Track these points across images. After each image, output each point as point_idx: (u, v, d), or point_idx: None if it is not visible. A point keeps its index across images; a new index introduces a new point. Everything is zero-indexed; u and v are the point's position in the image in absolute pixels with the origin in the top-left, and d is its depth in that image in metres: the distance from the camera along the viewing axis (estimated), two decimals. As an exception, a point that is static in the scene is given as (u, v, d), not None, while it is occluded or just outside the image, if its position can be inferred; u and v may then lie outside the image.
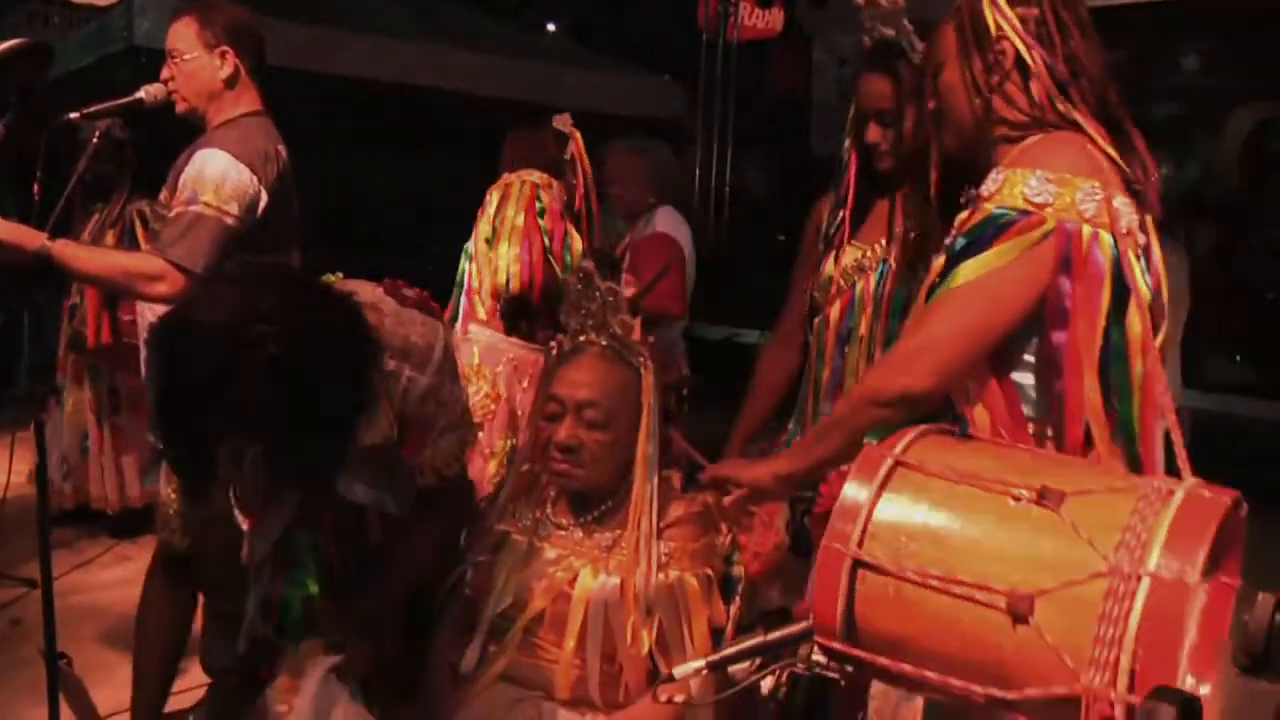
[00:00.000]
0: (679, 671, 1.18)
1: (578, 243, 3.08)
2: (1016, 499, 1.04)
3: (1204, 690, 0.98)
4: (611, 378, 1.66)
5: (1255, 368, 5.97)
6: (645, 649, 1.59)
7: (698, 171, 8.73)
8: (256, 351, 1.30)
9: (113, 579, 3.74)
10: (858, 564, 1.06)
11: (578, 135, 3.23)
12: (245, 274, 1.39)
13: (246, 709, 1.72)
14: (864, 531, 1.07)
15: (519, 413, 2.72)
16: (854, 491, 1.09)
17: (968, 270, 1.31)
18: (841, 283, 2.03)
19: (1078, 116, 1.37)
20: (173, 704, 2.82)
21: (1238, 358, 5.89)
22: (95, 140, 2.32)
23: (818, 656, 1.11)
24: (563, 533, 1.70)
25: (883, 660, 1.07)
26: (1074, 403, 1.32)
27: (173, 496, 1.68)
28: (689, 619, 1.61)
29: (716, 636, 1.64)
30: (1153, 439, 1.36)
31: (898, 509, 1.08)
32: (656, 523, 1.62)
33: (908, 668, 1.05)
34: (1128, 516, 0.99)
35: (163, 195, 2.36)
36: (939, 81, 1.48)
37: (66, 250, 2.19)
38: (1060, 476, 1.08)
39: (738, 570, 1.73)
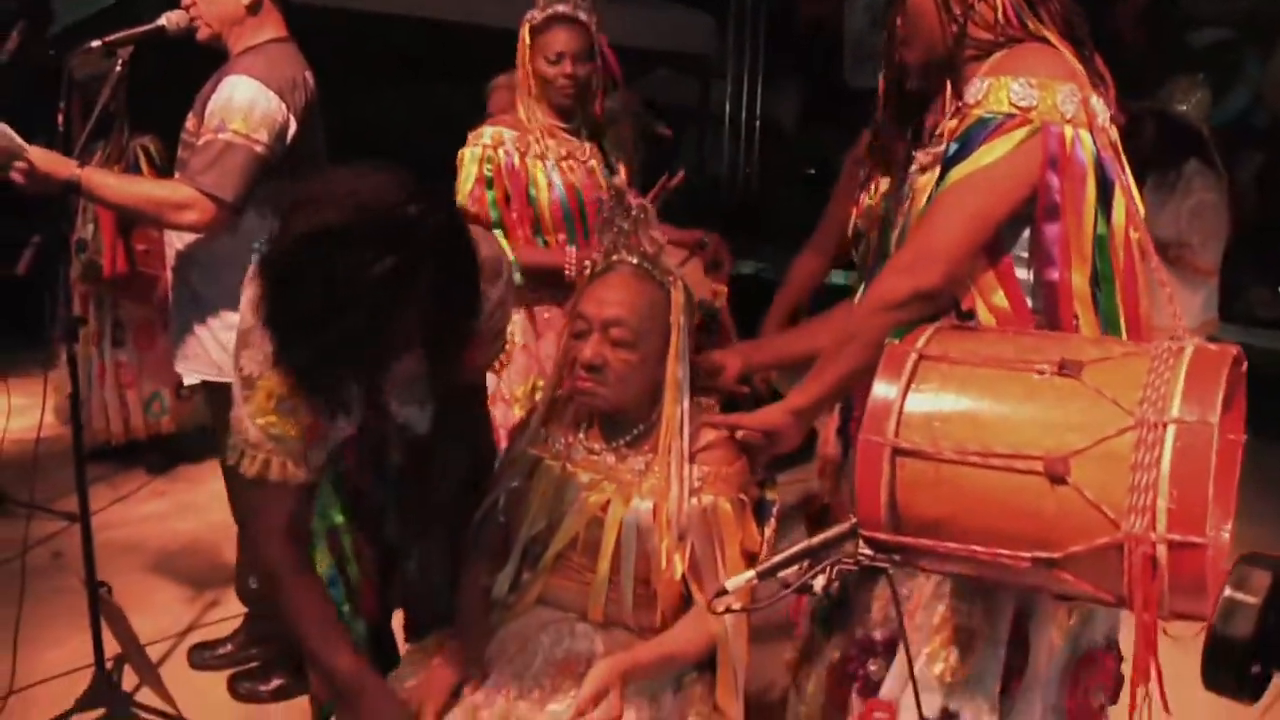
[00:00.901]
0: (731, 584, 1.22)
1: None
2: (1040, 373, 1.09)
3: (1225, 534, 1.07)
4: (640, 296, 1.62)
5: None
6: (678, 574, 1.58)
7: (727, 105, 8.62)
8: (424, 234, 1.32)
9: (150, 512, 3.81)
10: (896, 452, 1.10)
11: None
12: (357, 171, 1.34)
13: None
14: (898, 422, 1.11)
15: (540, 360, 2.68)
16: (883, 388, 1.14)
17: (960, 170, 1.37)
18: (881, 209, 1.99)
19: (1047, 33, 1.42)
20: (207, 633, 2.91)
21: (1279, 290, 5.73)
22: (120, 68, 2.29)
23: (864, 550, 1.15)
24: (594, 457, 1.67)
25: (927, 543, 1.11)
26: (1065, 293, 1.38)
27: (283, 427, 1.52)
28: (721, 543, 1.59)
29: (750, 562, 1.63)
30: (1139, 329, 1.42)
31: (928, 397, 1.13)
32: (688, 447, 1.60)
33: (954, 545, 1.09)
34: (1145, 375, 1.05)
35: (189, 123, 2.33)
36: (908, 3, 1.49)
37: (95, 178, 2.18)
38: (1076, 350, 1.13)
39: (771, 495, 1.72)
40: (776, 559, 1.23)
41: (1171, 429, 0.99)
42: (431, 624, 1.78)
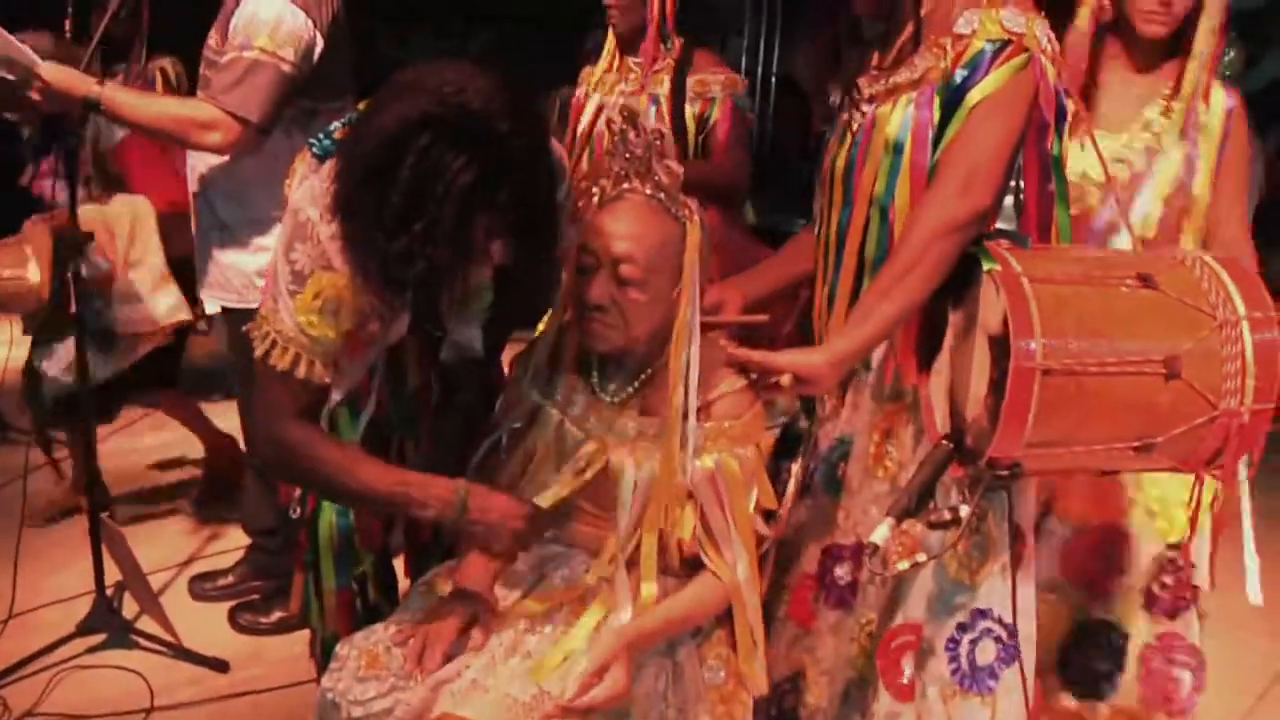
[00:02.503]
0: (877, 536, 1.28)
1: None
2: (1127, 286, 1.29)
3: None
4: (653, 231, 1.48)
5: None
6: (689, 535, 1.51)
7: (744, 59, 8.48)
8: (513, 149, 1.32)
9: (153, 444, 3.79)
10: (1044, 373, 1.23)
11: None
12: (459, 67, 1.34)
13: None
14: (1042, 344, 1.23)
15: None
16: (1017, 311, 1.25)
17: (977, 93, 1.47)
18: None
19: None
20: (208, 565, 2.90)
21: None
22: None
23: (1000, 471, 1.30)
24: (598, 411, 1.58)
25: (1059, 451, 1.29)
26: (1053, 206, 1.56)
27: (323, 329, 1.47)
28: (728, 505, 1.51)
29: (768, 517, 1.57)
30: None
31: (1053, 317, 1.25)
32: (695, 400, 1.49)
33: (1079, 449, 1.29)
34: (1199, 283, 1.30)
35: (211, 40, 2.25)
36: None
37: (117, 96, 2.12)
38: (1129, 264, 1.35)
39: (800, 429, 1.64)
40: (901, 499, 1.32)
41: (1246, 324, 1.26)
42: (434, 558, 1.75)
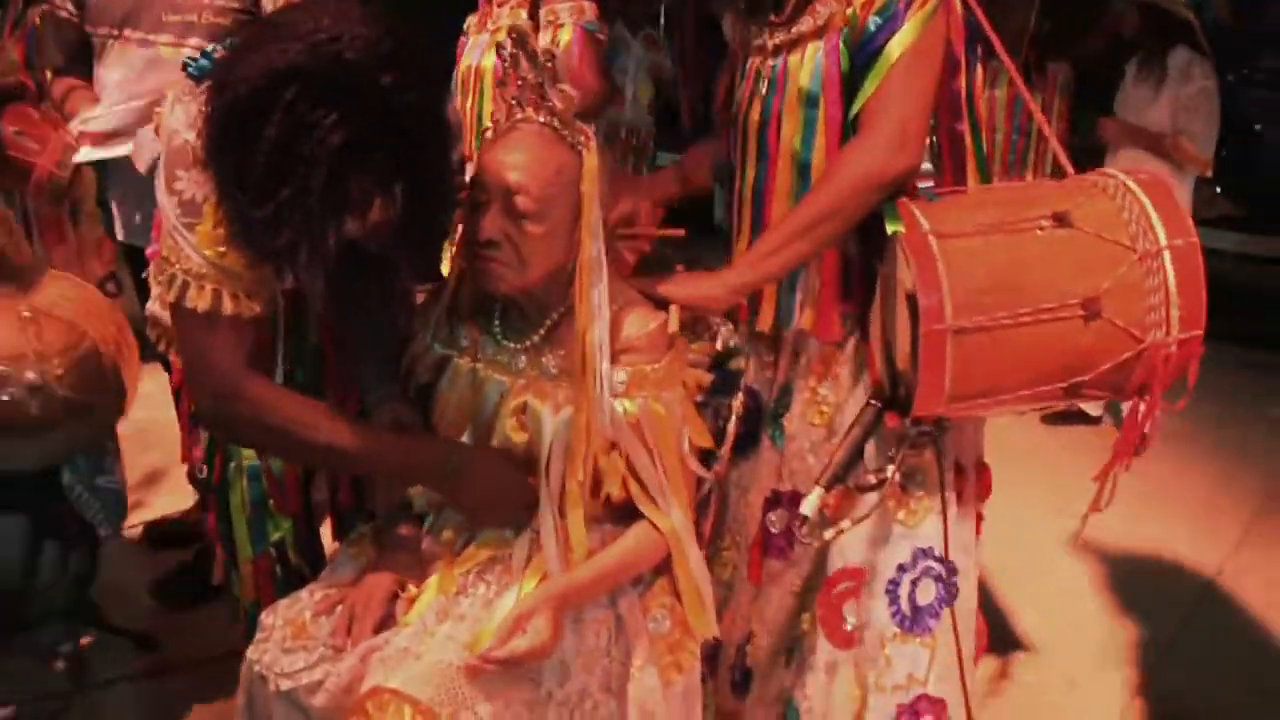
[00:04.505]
0: (807, 508, 1.28)
1: None
2: (1041, 229, 1.27)
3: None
4: (546, 160, 1.38)
5: (1235, 200, 5.87)
6: (616, 487, 1.44)
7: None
8: (396, 106, 1.21)
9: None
10: (957, 333, 1.23)
11: None
12: (342, 9, 1.22)
13: None
14: (952, 306, 1.24)
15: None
16: (927, 277, 1.25)
17: (897, 44, 1.45)
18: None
19: None
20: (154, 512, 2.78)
21: (1218, 189, 5.73)
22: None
23: (923, 428, 1.33)
24: (507, 356, 1.49)
25: (982, 402, 1.30)
26: (969, 145, 1.56)
27: (234, 259, 1.34)
28: (657, 452, 1.44)
29: (704, 457, 1.52)
30: (992, 175, 1.64)
31: (963, 275, 1.25)
32: (607, 342, 1.40)
33: (1005, 397, 1.30)
34: (1118, 213, 1.27)
35: None
36: None
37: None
38: (1048, 201, 1.31)
39: (737, 364, 1.56)
40: (831, 466, 1.31)
41: (1167, 254, 1.24)
42: (361, 517, 1.70)
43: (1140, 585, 2.81)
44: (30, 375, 1.73)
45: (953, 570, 1.57)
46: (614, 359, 1.42)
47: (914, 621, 1.57)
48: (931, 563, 1.56)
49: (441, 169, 1.35)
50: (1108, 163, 3.52)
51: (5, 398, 1.72)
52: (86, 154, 2.27)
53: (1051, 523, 2.97)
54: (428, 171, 1.30)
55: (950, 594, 1.58)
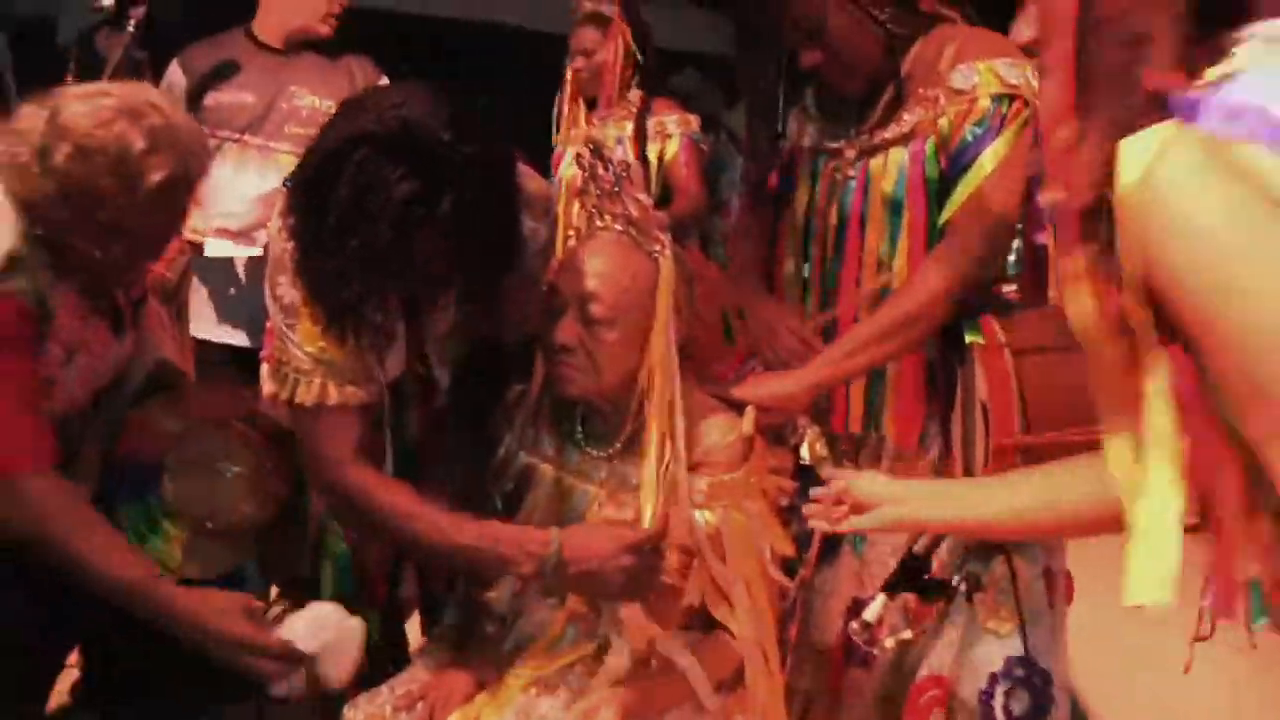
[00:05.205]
0: (870, 614, 1.26)
1: None
2: None
3: None
4: (621, 267, 1.40)
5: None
6: (696, 599, 1.42)
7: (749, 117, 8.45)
8: (456, 159, 1.26)
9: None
10: (1026, 450, 1.28)
11: None
12: (406, 88, 1.32)
13: None
14: (1023, 419, 1.30)
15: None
16: (996, 389, 1.33)
17: (991, 156, 1.47)
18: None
19: (945, 10, 1.57)
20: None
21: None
22: (118, 56, 2.23)
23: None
24: (589, 466, 1.50)
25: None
26: (1052, 254, 1.58)
27: (334, 352, 1.42)
28: (736, 562, 1.42)
29: (785, 568, 1.50)
30: None
31: (1037, 390, 1.31)
32: (683, 450, 1.39)
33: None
34: None
35: None
36: (827, 34, 1.52)
37: None
38: None
39: (827, 472, 1.52)
40: (894, 571, 1.30)
41: None
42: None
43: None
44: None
45: (1047, 679, 1.53)
46: (693, 468, 1.42)
47: None
48: (1025, 671, 1.53)
49: (508, 226, 1.39)
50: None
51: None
52: (222, 248, 2.37)
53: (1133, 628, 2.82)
54: (494, 232, 1.35)
55: (1046, 702, 1.54)
